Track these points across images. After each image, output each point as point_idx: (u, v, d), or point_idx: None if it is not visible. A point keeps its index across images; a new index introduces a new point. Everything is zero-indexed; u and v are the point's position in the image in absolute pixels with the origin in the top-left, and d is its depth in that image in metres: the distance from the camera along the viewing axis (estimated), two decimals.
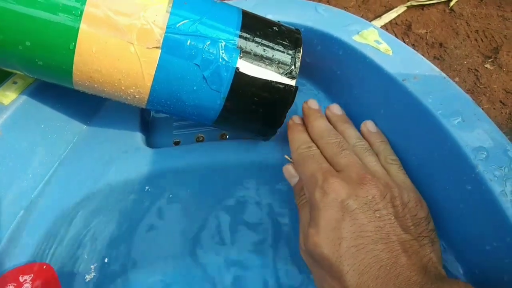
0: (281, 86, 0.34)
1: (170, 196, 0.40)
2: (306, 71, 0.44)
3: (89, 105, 0.42)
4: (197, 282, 0.40)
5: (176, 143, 0.44)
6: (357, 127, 0.41)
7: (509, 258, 0.29)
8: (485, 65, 1.04)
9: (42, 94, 0.37)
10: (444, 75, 0.37)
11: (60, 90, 0.37)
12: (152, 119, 0.46)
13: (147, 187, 0.39)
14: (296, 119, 0.40)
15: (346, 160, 0.33)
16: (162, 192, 0.40)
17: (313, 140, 0.37)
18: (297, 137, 0.37)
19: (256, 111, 0.35)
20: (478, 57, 1.07)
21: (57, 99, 0.39)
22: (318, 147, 0.36)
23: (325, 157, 0.35)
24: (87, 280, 0.35)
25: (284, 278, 0.43)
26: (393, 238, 0.28)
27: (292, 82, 0.34)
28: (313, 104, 0.40)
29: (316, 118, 0.38)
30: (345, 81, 0.42)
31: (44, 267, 0.32)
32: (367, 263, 0.27)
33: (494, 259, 0.30)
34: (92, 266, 0.35)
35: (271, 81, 0.33)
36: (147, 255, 0.41)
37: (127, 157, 0.39)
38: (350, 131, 0.38)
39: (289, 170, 0.38)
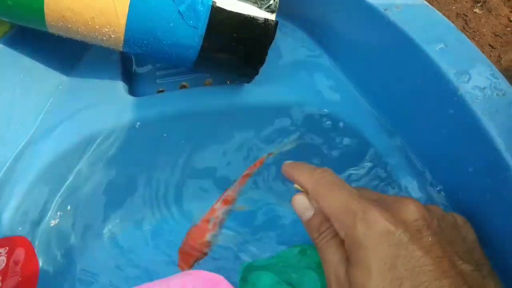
0: (260, 20, 0.33)
1: (155, 143, 0.40)
2: (286, 10, 0.43)
3: (69, 55, 0.41)
4: (181, 231, 0.40)
5: (160, 92, 0.43)
6: (346, 62, 0.41)
7: (491, 177, 0.29)
8: (474, 10, 1.03)
9: (19, 43, 0.36)
10: (426, 3, 0.36)
11: (38, 38, 0.36)
12: (134, 71, 0.45)
13: (131, 135, 0.39)
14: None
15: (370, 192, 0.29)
16: (147, 139, 0.40)
17: None
18: (307, 165, 0.31)
19: (236, 48, 0.34)
20: (467, 2, 1.05)
21: (36, 48, 0.38)
22: None
23: None
24: (51, 225, 0.35)
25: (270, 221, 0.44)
26: (454, 270, 0.24)
27: (272, 17, 0.33)
28: None
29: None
30: (328, 18, 0.41)
31: (20, 239, 0.32)
32: None
33: (477, 180, 0.31)
34: (58, 213, 0.36)
35: (250, 16, 0.32)
36: (128, 204, 0.42)
37: (110, 106, 0.39)
38: None
39: (301, 201, 0.29)
